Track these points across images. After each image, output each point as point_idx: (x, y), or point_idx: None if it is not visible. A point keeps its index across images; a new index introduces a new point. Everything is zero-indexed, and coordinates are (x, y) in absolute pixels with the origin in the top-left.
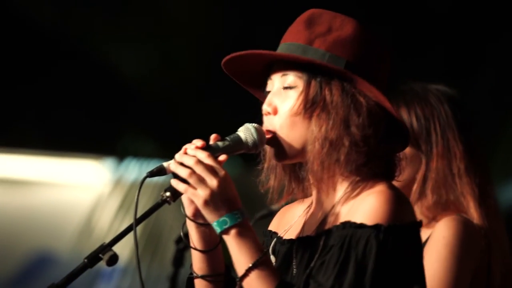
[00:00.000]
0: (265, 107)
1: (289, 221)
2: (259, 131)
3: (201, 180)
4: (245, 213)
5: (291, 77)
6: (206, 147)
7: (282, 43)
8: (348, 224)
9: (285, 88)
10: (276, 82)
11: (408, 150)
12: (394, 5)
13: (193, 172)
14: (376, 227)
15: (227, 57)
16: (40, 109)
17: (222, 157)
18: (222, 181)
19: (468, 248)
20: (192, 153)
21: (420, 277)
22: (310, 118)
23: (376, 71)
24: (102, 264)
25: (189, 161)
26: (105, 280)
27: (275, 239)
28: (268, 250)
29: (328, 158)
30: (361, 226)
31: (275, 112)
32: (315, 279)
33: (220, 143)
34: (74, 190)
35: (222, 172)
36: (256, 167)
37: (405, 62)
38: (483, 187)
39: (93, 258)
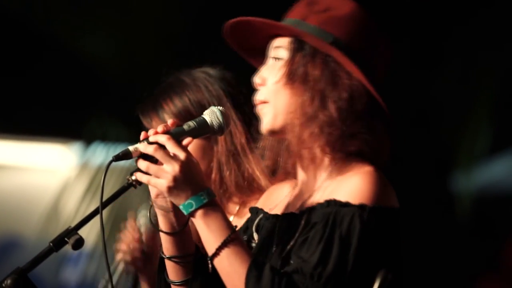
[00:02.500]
0: (255, 79)
1: (277, 199)
2: (224, 114)
3: (162, 168)
4: (211, 193)
5: (282, 50)
6: (170, 131)
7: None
8: (332, 202)
9: (275, 59)
10: (270, 56)
11: (198, 142)
12: None
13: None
14: (361, 206)
15: (227, 25)
16: (5, 94)
17: (186, 141)
18: (183, 165)
19: None
20: (152, 139)
21: (397, 262)
22: (291, 89)
23: (365, 53)
24: (68, 248)
25: (149, 150)
26: (71, 264)
27: (261, 215)
28: (236, 227)
29: (303, 131)
30: (346, 204)
31: (264, 82)
32: (298, 255)
33: (185, 126)
34: (41, 174)
35: (183, 155)
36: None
37: None
38: None
39: (59, 242)
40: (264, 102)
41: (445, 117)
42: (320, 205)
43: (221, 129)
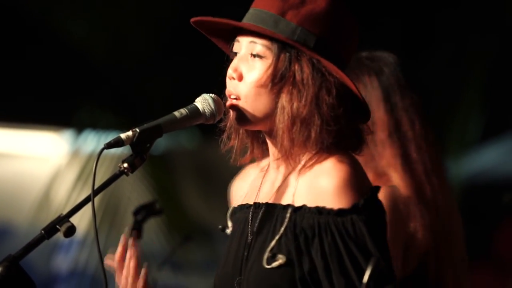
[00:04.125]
0: (230, 72)
1: (245, 186)
2: (216, 101)
3: None
4: None
5: (260, 46)
6: (163, 120)
7: (252, 7)
8: (324, 211)
9: (253, 56)
10: (243, 46)
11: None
12: None
13: None
14: (354, 209)
15: (197, 18)
16: None
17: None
18: None
19: (398, 220)
20: None
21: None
22: (277, 92)
23: (343, 49)
24: (60, 235)
25: None
26: (63, 251)
27: (232, 207)
28: None
29: (298, 135)
30: (340, 213)
31: (240, 78)
32: (329, 282)
33: (177, 114)
34: (32, 162)
35: None
36: (215, 137)
37: (361, 35)
38: (408, 154)
39: (50, 230)
40: (239, 99)
41: (434, 103)
42: (308, 208)
43: (213, 116)
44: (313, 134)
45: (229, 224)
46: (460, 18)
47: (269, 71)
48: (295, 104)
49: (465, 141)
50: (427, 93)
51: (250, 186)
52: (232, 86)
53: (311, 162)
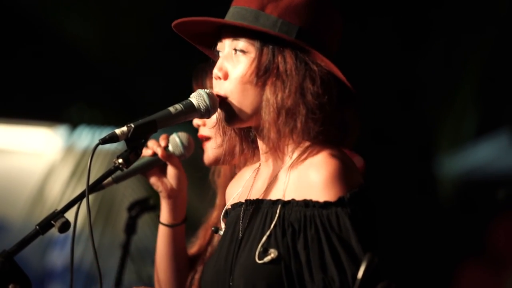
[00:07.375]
0: (216, 72)
1: (239, 185)
2: (211, 97)
3: None
4: None
5: (242, 43)
6: (157, 116)
7: (233, 6)
8: (310, 203)
9: (236, 53)
10: (227, 45)
11: None
12: None
13: None
14: (340, 202)
15: (177, 21)
16: None
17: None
18: None
19: None
20: None
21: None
22: (263, 85)
23: (326, 38)
24: (54, 231)
25: None
26: (58, 247)
27: (225, 208)
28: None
29: (285, 126)
30: (325, 205)
31: (225, 77)
32: (309, 273)
33: (172, 109)
34: (26, 158)
35: None
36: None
37: (355, 32)
38: None
39: (45, 225)
40: (225, 97)
41: (429, 99)
42: (296, 202)
43: (208, 111)
44: (298, 124)
45: (222, 225)
46: (454, 13)
47: (253, 65)
48: (279, 95)
49: (460, 137)
50: (422, 89)
51: (243, 185)
52: (218, 86)
53: (302, 157)
